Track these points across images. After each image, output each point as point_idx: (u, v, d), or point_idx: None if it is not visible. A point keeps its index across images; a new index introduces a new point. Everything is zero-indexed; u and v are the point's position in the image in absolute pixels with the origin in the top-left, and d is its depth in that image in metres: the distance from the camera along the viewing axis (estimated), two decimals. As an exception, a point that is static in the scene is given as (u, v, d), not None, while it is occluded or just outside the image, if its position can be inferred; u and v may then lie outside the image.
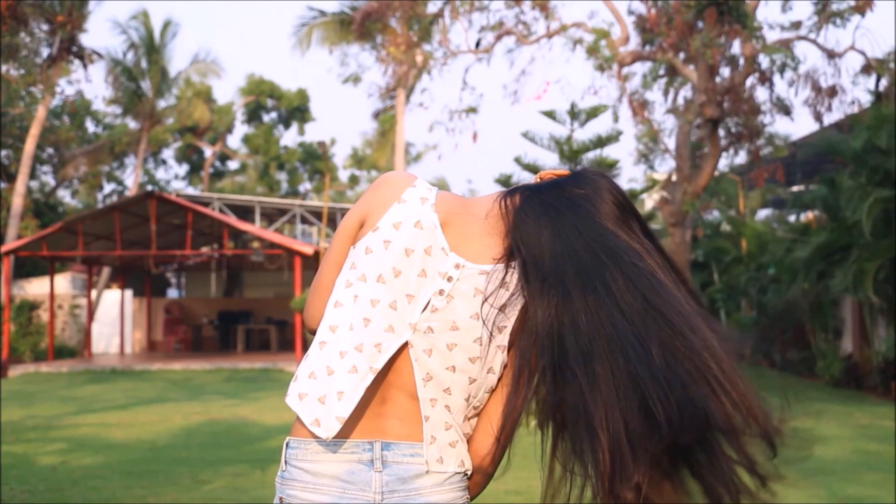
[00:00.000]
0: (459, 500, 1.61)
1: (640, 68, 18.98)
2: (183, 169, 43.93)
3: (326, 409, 1.57)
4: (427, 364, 1.59)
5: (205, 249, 24.28)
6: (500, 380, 1.62)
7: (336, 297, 1.65)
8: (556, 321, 1.50)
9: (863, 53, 15.47)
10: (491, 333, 1.57)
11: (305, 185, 46.75)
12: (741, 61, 14.90)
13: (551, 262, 1.54)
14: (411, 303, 1.59)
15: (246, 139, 44.71)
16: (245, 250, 21.88)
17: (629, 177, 23.28)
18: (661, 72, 16.48)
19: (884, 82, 15.38)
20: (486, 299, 1.57)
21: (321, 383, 1.59)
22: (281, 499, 1.60)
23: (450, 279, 1.59)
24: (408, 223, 1.61)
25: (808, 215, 19.61)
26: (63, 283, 24.01)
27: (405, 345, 1.59)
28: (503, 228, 1.62)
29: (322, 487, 1.57)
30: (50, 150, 29.50)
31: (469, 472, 1.63)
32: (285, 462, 1.62)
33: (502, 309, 1.56)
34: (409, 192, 1.65)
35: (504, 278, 1.57)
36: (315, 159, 45.01)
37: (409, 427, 1.59)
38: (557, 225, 1.57)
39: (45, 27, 18.47)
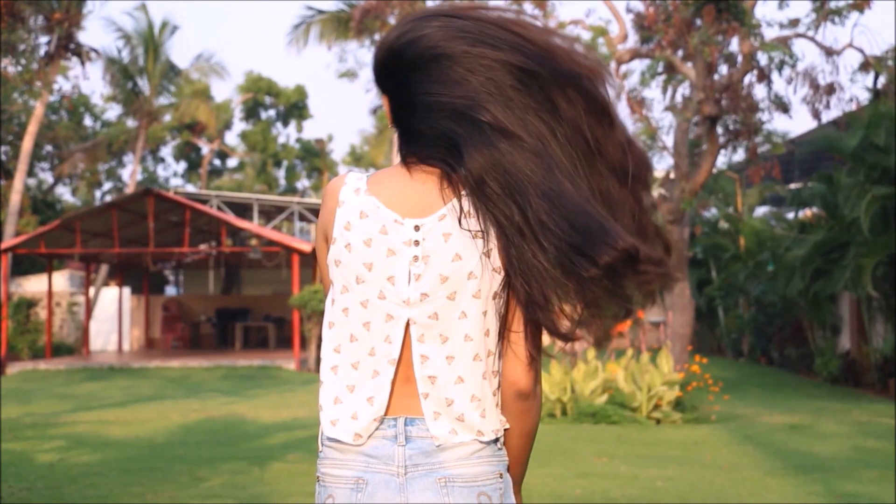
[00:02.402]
0: (490, 475, 1.64)
1: (639, 66, 18.97)
2: (181, 166, 43.90)
3: (361, 420, 1.64)
4: (436, 328, 1.63)
5: (203, 247, 24.26)
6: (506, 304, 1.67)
7: (328, 318, 1.72)
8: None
9: (861, 51, 15.47)
10: (481, 262, 1.61)
11: (304, 183, 46.71)
12: (739, 59, 14.90)
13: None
14: (395, 283, 1.63)
15: (244, 136, 44.65)
16: (243, 248, 21.85)
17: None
18: (660, 69, 16.47)
19: (882, 80, 15.38)
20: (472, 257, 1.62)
21: (347, 405, 1.66)
22: (318, 477, 1.69)
23: (416, 243, 1.63)
24: (354, 218, 1.67)
25: (806, 212, 19.63)
26: (61, 280, 23.99)
27: (409, 323, 1.64)
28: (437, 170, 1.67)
29: (348, 462, 1.65)
30: (49, 148, 29.46)
31: (499, 435, 1.66)
32: (321, 443, 1.70)
33: (483, 235, 1.60)
34: (343, 191, 1.70)
35: (464, 207, 1.61)
36: (313, 156, 44.97)
37: None
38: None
39: (42, 24, 18.42)
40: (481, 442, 1.63)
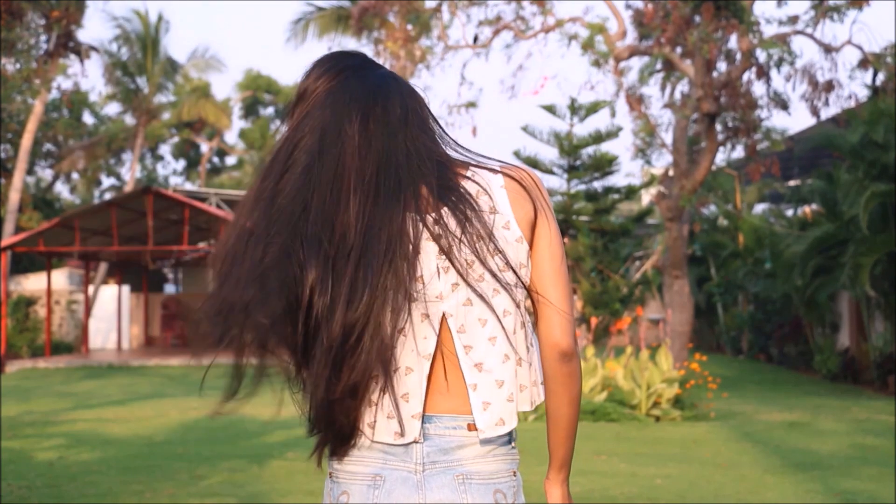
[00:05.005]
0: (505, 473, 1.64)
1: (637, 63, 18.95)
2: (180, 164, 43.88)
3: (398, 419, 1.60)
4: (473, 312, 1.61)
5: (202, 245, 24.25)
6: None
7: None
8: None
9: (860, 48, 15.47)
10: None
11: (302, 181, 46.66)
12: (738, 56, 14.90)
13: None
14: (425, 282, 1.61)
15: (242, 134, 44.62)
16: (242, 245, 21.83)
17: (626, 171, 23.40)
18: (658, 66, 16.47)
19: (881, 77, 15.38)
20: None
21: (383, 406, 1.62)
22: (330, 473, 1.67)
23: (439, 236, 1.62)
24: None
25: (805, 209, 19.62)
26: (60, 278, 23.98)
27: (443, 319, 1.61)
28: None
29: (365, 459, 1.63)
30: (48, 145, 29.45)
31: (532, 406, 1.65)
32: None
33: (491, 210, 1.63)
34: None
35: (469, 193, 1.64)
36: (312, 154, 44.92)
37: (452, 400, 1.63)
38: None
39: (41, 22, 18.40)
40: (503, 444, 1.64)
